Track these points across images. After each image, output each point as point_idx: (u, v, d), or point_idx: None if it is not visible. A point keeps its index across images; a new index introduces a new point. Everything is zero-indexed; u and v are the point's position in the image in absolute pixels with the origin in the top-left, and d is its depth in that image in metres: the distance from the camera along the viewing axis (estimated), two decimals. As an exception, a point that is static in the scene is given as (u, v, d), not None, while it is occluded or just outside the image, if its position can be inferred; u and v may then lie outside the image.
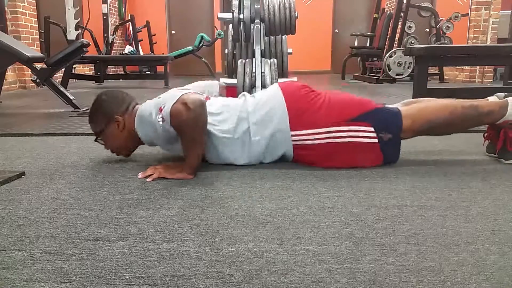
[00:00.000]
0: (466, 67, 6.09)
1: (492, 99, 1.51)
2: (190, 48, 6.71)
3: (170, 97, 1.34)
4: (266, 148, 1.47)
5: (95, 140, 1.55)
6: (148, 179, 1.33)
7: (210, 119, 1.40)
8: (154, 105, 1.36)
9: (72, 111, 2.99)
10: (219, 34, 6.93)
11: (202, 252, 0.85)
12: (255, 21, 2.76)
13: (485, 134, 1.60)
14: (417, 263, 0.80)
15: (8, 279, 0.75)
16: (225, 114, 1.46)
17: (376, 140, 1.42)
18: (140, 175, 1.37)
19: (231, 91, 2.19)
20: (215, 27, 8.11)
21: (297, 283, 0.73)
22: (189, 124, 1.30)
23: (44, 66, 3.12)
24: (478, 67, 5.85)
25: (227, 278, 0.75)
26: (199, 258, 0.82)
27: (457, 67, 6.26)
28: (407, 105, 1.53)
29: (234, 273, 0.77)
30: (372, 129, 1.42)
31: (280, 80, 2.31)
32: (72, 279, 0.75)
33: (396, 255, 0.83)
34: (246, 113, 1.46)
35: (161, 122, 1.31)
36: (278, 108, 1.45)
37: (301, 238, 0.91)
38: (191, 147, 1.35)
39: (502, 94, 1.51)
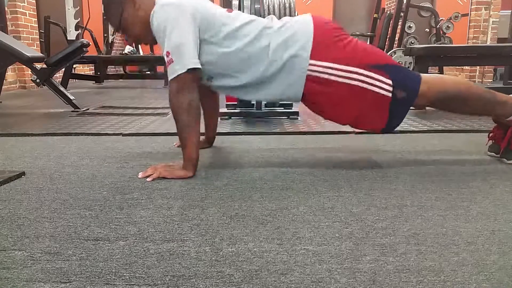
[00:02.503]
0: (466, 67, 6.08)
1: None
2: (190, 48, 6.69)
3: (177, 51, 1.33)
4: (279, 71, 1.41)
5: (116, 32, 1.55)
6: (148, 179, 1.33)
7: (228, 31, 1.40)
8: (165, 35, 1.34)
9: (72, 111, 2.99)
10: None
11: (202, 252, 0.85)
12: (255, 21, 2.76)
13: (490, 134, 1.60)
14: (417, 263, 0.80)
15: (8, 279, 0.75)
16: (246, 29, 1.42)
17: (390, 95, 1.39)
18: (140, 175, 1.37)
19: None
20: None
21: (297, 283, 0.73)
22: (179, 109, 1.34)
23: (44, 66, 3.11)
24: (478, 67, 5.85)
25: (227, 278, 0.75)
26: (199, 258, 0.82)
27: (457, 67, 6.25)
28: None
29: (234, 273, 0.77)
30: (390, 82, 1.39)
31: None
32: (72, 279, 0.75)
33: (396, 255, 0.83)
34: (271, 30, 1.42)
35: (166, 59, 1.35)
36: (304, 33, 1.41)
37: (301, 238, 0.91)
38: (186, 134, 1.36)
39: None
